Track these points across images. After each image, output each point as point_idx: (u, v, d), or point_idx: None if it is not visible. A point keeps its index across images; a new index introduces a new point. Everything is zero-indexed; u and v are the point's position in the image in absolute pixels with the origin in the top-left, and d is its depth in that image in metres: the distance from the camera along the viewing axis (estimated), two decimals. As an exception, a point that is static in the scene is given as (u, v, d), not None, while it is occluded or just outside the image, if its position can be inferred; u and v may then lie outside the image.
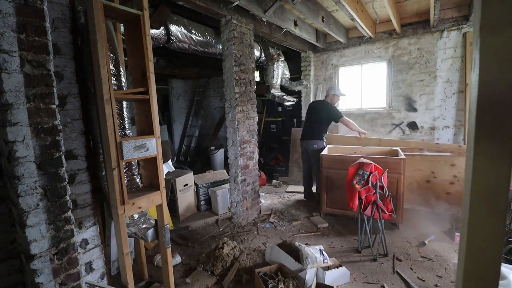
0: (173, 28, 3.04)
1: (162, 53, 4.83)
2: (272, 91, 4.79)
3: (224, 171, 4.49)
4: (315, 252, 2.33)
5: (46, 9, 1.52)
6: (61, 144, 1.60)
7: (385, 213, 2.61)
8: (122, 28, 2.20)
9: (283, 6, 3.63)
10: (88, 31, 1.73)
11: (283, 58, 4.72)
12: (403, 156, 3.23)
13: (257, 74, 6.19)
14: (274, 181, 5.29)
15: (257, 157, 3.81)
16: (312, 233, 3.25)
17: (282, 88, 5.06)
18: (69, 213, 1.65)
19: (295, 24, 4.00)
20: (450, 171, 3.43)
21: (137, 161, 2.13)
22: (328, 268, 2.35)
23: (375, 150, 4.00)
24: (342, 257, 2.69)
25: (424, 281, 2.33)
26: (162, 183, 2.03)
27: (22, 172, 1.45)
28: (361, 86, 5.12)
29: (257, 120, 3.75)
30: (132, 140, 1.81)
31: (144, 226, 2.06)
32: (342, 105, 5.40)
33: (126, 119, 2.02)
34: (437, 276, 2.39)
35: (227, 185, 4.08)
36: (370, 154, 3.88)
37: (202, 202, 4.11)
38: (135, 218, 2.01)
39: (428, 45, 4.32)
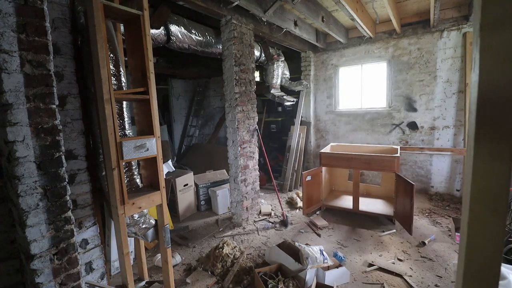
0: (173, 28, 3.04)
1: (162, 53, 4.82)
2: (272, 91, 4.78)
3: (224, 171, 4.49)
4: (315, 252, 2.33)
5: (46, 9, 1.52)
6: (61, 144, 1.61)
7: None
8: (122, 28, 2.20)
9: (283, 6, 3.63)
10: (88, 31, 1.73)
11: (283, 58, 4.72)
12: (398, 155, 3.30)
13: (257, 74, 6.19)
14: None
15: (257, 157, 3.81)
16: (312, 233, 3.26)
17: (282, 88, 5.06)
18: (69, 213, 1.65)
19: (295, 24, 4.00)
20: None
21: (137, 161, 2.13)
22: (328, 268, 2.35)
23: (376, 148, 4.02)
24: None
25: (424, 281, 2.33)
26: (162, 183, 2.03)
27: (22, 172, 1.45)
28: (361, 86, 5.12)
29: (257, 120, 3.75)
30: (132, 140, 1.81)
31: (144, 226, 2.06)
32: (343, 105, 5.41)
33: (126, 119, 2.02)
34: (437, 276, 2.39)
35: (227, 185, 4.08)
36: (368, 152, 3.90)
37: (202, 202, 4.11)
38: (135, 218, 2.01)
39: (428, 45, 4.31)
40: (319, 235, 3.21)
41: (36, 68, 1.49)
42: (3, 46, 1.37)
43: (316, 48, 5.34)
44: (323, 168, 3.78)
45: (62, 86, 1.84)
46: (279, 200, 3.83)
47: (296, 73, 5.68)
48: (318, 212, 3.85)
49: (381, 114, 4.87)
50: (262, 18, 3.47)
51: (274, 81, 4.67)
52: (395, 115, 4.74)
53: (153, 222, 2.12)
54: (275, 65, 4.55)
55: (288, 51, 5.40)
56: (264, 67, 4.77)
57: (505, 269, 1.67)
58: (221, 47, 3.54)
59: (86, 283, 1.89)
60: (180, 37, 3.14)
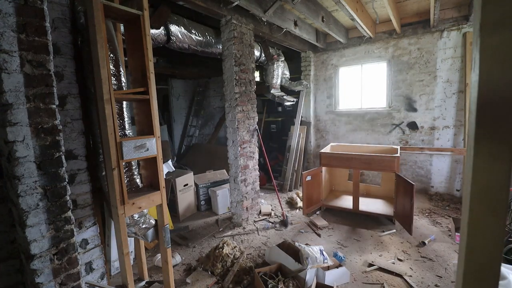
0: (173, 28, 3.04)
1: (162, 53, 4.82)
2: (272, 91, 4.78)
3: (224, 171, 4.48)
4: (315, 252, 2.33)
5: (46, 9, 1.52)
6: (61, 144, 1.61)
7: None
8: (122, 28, 2.20)
9: (283, 6, 3.63)
10: (88, 31, 1.73)
11: (283, 58, 4.72)
12: (398, 155, 3.30)
13: (257, 74, 6.19)
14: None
15: (257, 157, 3.81)
16: (312, 233, 3.26)
17: (282, 88, 5.06)
18: (69, 213, 1.65)
19: (295, 24, 4.00)
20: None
21: (137, 161, 2.13)
22: (328, 268, 2.35)
23: (376, 148, 4.02)
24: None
25: (424, 281, 2.33)
26: (162, 183, 2.03)
27: (22, 172, 1.45)
28: (361, 86, 5.12)
29: (257, 120, 3.75)
30: (132, 140, 1.81)
31: (144, 226, 2.06)
32: (343, 105, 5.41)
33: (126, 119, 2.02)
34: (437, 276, 2.39)
35: (227, 185, 4.08)
36: (368, 152, 3.91)
37: (202, 202, 4.11)
38: (135, 218, 2.01)
39: (428, 45, 4.31)
40: (319, 235, 3.21)
41: (36, 68, 1.49)
42: (3, 46, 1.37)
43: (316, 48, 5.34)
44: (323, 168, 3.79)
45: (62, 86, 1.84)
46: (279, 200, 3.83)
47: (296, 73, 5.68)
48: (318, 212, 3.85)
49: (381, 114, 4.87)
50: (262, 18, 3.47)
51: (274, 81, 4.67)
52: (395, 115, 4.74)
53: (153, 222, 2.12)
54: (275, 65, 4.55)
55: (288, 51, 5.40)
56: (264, 67, 4.77)
57: (505, 269, 1.67)
58: (221, 47, 3.54)
59: (86, 283, 1.89)
60: (180, 37, 3.14)
